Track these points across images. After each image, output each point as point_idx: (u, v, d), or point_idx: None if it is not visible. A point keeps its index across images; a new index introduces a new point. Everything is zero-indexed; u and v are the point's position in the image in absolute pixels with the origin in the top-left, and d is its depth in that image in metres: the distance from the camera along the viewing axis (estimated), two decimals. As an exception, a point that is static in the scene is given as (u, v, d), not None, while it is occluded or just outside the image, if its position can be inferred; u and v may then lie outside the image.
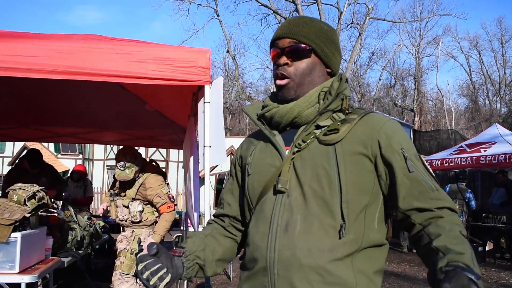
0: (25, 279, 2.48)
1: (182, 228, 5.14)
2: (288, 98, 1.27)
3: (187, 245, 1.28)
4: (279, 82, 1.27)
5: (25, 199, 2.65)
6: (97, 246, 5.82)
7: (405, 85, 33.18)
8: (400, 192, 1.15)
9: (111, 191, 3.89)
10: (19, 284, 2.51)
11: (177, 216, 4.59)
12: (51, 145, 23.21)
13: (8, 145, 22.92)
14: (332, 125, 1.20)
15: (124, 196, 3.73)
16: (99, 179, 23.84)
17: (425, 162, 1.20)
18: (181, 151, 6.83)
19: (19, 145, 21.94)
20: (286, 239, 1.13)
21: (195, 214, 3.51)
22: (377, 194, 1.19)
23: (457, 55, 34.84)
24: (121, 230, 3.89)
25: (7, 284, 2.49)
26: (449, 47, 35.24)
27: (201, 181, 2.93)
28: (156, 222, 3.83)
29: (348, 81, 1.30)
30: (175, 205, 3.81)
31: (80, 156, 23.68)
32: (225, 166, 24.11)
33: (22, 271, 2.53)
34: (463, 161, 8.39)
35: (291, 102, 1.27)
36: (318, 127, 1.22)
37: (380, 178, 1.19)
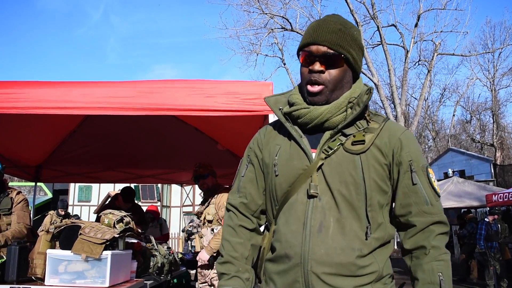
0: (115, 292, 2.77)
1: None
2: (319, 104, 1.34)
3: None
4: (312, 88, 1.33)
5: (114, 222, 3.00)
6: (175, 280, 6.10)
7: (482, 119, 31.55)
8: (398, 199, 1.32)
9: (192, 224, 4.07)
10: (109, 298, 2.79)
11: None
12: (132, 193, 24.63)
13: (94, 194, 24.69)
14: (358, 135, 1.31)
15: (205, 221, 3.84)
16: (176, 225, 24.72)
17: (430, 175, 1.32)
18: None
19: (103, 193, 23.55)
20: (320, 238, 1.25)
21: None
22: (391, 195, 1.35)
23: (538, 85, 32.60)
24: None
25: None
26: (528, 77, 33.20)
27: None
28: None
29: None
30: None
31: (159, 203, 24.83)
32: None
33: (111, 286, 2.82)
34: (551, 192, 7.79)
35: (323, 105, 1.34)
36: (343, 134, 1.32)
37: (391, 183, 1.34)
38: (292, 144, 1.36)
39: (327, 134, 1.33)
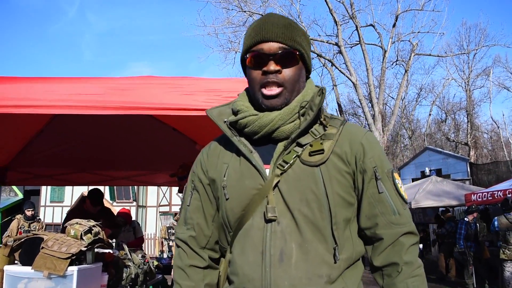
0: (82, 313, 2.49)
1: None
2: (277, 108, 1.17)
3: None
4: (269, 91, 1.15)
5: (81, 233, 2.70)
6: (151, 287, 5.81)
7: (457, 119, 32.18)
8: (364, 210, 1.18)
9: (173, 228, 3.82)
10: (75, 319, 2.51)
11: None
12: (107, 193, 24.07)
13: (67, 194, 24.00)
14: (316, 144, 1.15)
15: None
16: (152, 225, 24.28)
17: (396, 181, 1.19)
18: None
19: (76, 194, 22.92)
20: (283, 269, 1.09)
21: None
22: (357, 207, 1.21)
23: (510, 85, 33.42)
24: None
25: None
26: (500, 77, 34.11)
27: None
28: None
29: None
30: None
31: (134, 203, 24.32)
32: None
33: (78, 306, 2.54)
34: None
35: (274, 111, 1.17)
36: (299, 144, 1.16)
37: (356, 193, 1.19)
38: (242, 161, 1.19)
39: (280, 145, 1.17)
